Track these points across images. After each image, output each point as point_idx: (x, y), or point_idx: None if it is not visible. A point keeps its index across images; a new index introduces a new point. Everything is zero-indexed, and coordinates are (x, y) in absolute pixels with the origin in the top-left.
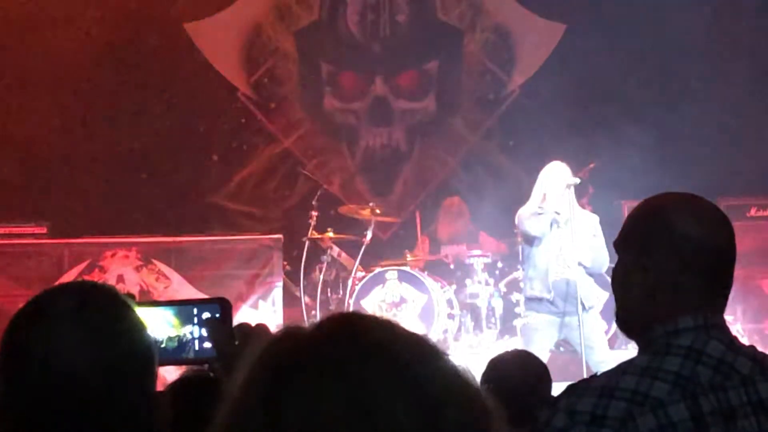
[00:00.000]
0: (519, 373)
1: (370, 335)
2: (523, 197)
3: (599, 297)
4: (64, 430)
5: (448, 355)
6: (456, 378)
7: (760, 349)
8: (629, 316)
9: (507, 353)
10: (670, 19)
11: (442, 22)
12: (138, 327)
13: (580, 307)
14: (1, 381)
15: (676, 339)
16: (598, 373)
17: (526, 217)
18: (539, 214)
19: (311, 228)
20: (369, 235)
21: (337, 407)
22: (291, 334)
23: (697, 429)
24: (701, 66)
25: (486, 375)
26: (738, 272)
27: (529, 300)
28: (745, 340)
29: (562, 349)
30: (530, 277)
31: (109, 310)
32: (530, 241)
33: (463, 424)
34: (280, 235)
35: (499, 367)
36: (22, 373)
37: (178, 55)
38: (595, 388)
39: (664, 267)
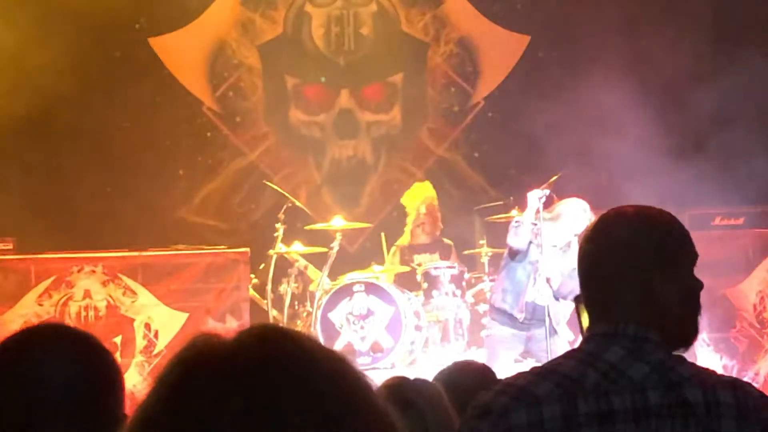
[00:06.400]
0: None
1: (280, 347)
2: (489, 209)
3: (567, 309)
4: None
5: (360, 372)
6: (362, 397)
7: (725, 357)
8: None
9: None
10: (638, 30)
11: (407, 35)
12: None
13: (548, 330)
14: None
15: (586, 344)
16: None
17: (509, 230)
18: (516, 227)
19: (278, 241)
20: (336, 247)
21: (234, 413)
22: (204, 339)
23: (566, 427)
24: (665, 75)
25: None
26: (703, 281)
27: (497, 311)
28: (710, 350)
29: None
30: (504, 289)
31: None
32: (513, 254)
33: None
34: (246, 249)
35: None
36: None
37: (143, 70)
38: (499, 385)
39: (582, 280)
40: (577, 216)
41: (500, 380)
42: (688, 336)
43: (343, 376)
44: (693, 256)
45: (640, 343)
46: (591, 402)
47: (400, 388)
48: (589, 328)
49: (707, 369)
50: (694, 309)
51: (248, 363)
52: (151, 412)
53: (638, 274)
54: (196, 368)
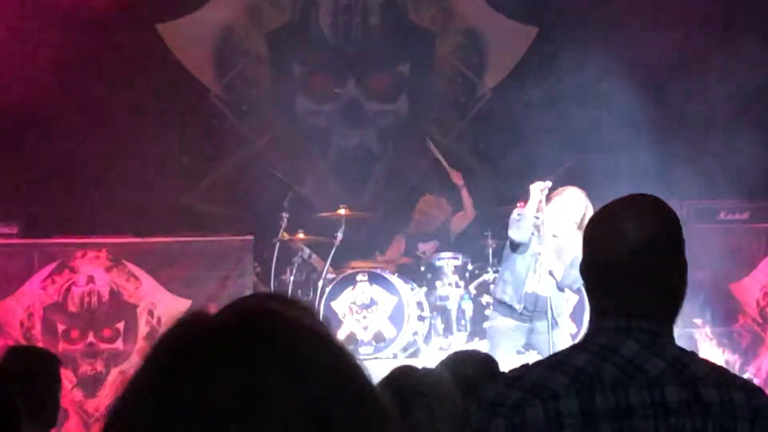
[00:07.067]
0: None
1: (269, 327)
2: (494, 200)
3: (569, 301)
4: None
5: (350, 355)
6: (352, 379)
7: (727, 352)
8: None
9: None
10: (646, 21)
11: (414, 25)
12: None
13: (550, 321)
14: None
15: (595, 338)
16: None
17: (511, 223)
18: (518, 220)
19: (282, 229)
20: (340, 236)
21: (224, 394)
22: (193, 319)
23: (585, 423)
24: (670, 67)
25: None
26: (707, 276)
27: (498, 302)
28: (713, 344)
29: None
30: (505, 280)
31: None
32: (515, 246)
33: (352, 425)
34: (250, 237)
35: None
36: None
37: (149, 56)
38: (506, 377)
39: (589, 272)
40: (574, 204)
41: (505, 373)
42: (675, 316)
43: (333, 358)
44: (684, 242)
45: (654, 337)
46: (609, 397)
47: (407, 377)
48: (596, 320)
49: (720, 367)
50: (685, 290)
51: (231, 338)
52: (138, 388)
53: (650, 264)
54: (183, 343)
